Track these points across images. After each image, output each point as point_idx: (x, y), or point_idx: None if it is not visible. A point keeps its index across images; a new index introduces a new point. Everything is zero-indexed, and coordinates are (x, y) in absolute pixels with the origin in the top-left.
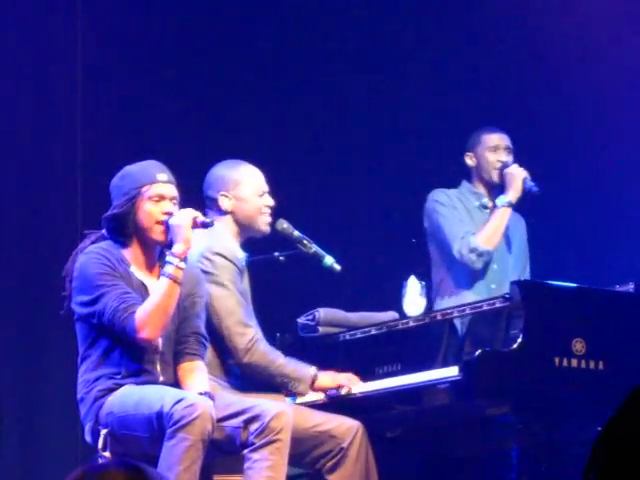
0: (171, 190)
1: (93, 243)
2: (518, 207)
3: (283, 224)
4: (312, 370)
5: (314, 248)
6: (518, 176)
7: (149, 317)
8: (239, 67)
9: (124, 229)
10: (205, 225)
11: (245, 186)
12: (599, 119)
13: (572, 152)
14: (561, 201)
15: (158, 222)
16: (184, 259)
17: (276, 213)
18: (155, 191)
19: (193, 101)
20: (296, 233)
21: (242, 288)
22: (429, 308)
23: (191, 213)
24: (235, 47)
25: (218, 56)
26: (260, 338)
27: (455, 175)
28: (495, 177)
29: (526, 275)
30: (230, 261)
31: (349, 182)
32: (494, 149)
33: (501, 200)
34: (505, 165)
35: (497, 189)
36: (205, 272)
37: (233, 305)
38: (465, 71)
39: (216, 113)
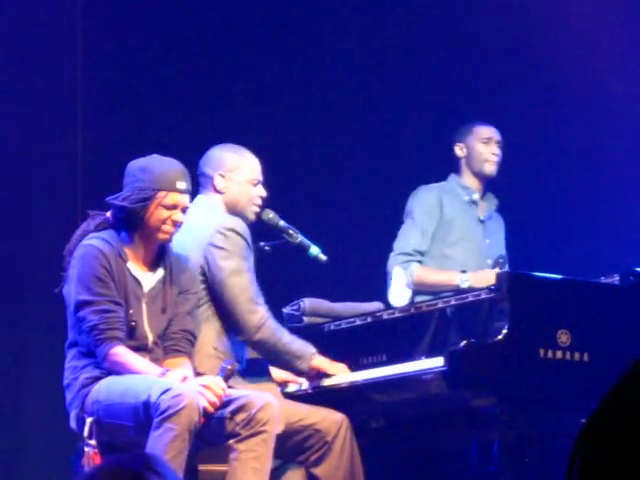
0: (185, 200)
1: (97, 228)
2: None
3: (269, 214)
4: (312, 348)
5: (300, 238)
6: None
7: (119, 364)
8: (238, 63)
9: (130, 222)
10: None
11: (242, 171)
12: (587, 111)
13: (558, 143)
14: (547, 192)
15: (165, 225)
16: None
17: (263, 203)
18: (170, 200)
19: (193, 96)
20: (282, 223)
21: (251, 264)
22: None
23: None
24: (235, 43)
25: (217, 50)
26: (269, 316)
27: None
28: (486, 169)
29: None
30: (242, 237)
31: (335, 172)
32: (486, 141)
33: (462, 279)
34: (503, 261)
35: (486, 181)
36: (219, 247)
37: (245, 282)
38: (462, 67)
39: (215, 109)
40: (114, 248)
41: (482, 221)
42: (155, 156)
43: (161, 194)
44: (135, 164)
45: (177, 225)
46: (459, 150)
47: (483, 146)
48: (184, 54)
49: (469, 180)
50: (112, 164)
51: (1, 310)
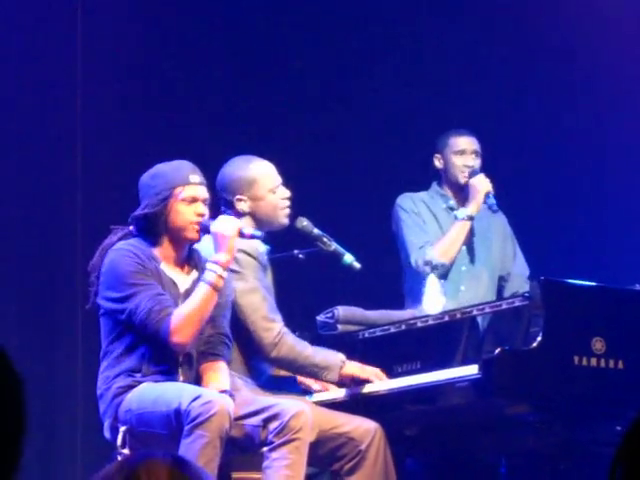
0: (203, 192)
1: (120, 239)
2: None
3: (303, 222)
4: (340, 356)
5: (334, 246)
6: (481, 190)
7: (184, 322)
8: (247, 62)
9: (155, 228)
10: (253, 237)
11: (259, 185)
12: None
13: (587, 148)
14: (581, 199)
15: (192, 222)
16: (227, 269)
17: (296, 211)
18: (188, 193)
19: (196, 96)
20: (316, 231)
21: (266, 283)
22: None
23: (236, 223)
24: (243, 46)
25: (223, 51)
26: (286, 331)
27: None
28: (461, 180)
29: (519, 264)
30: (253, 257)
31: (369, 179)
32: (461, 153)
33: (461, 213)
34: (473, 172)
35: (464, 192)
36: (229, 269)
37: (258, 301)
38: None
39: (225, 109)
40: (144, 251)
41: None
42: (161, 163)
43: (177, 190)
44: (145, 176)
45: (202, 220)
46: (437, 161)
47: (457, 158)
48: (188, 57)
49: (448, 191)
50: (113, 171)
51: (31, 324)
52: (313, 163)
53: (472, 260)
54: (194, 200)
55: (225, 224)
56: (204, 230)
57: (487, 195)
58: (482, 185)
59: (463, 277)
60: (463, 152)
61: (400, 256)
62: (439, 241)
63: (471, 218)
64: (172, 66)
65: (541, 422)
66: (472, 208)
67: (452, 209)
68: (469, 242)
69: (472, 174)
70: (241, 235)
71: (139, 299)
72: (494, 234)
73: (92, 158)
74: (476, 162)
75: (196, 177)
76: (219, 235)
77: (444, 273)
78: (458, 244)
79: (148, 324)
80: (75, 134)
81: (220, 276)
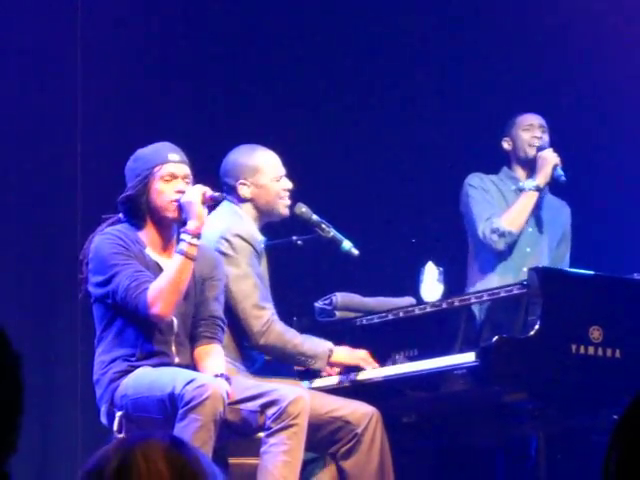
0: (183, 169)
1: (110, 226)
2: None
3: (302, 208)
4: (328, 345)
5: (332, 232)
6: (549, 162)
7: (161, 293)
8: (252, 49)
9: (138, 210)
10: (214, 199)
11: (263, 173)
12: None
13: (597, 139)
14: (581, 189)
15: (172, 201)
16: (197, 236)
17: (294, 197)
18: (166, 170)
19: (197, 95)
20: (314, 217)
21: (259, 271)
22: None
23: (200, 189)
24: (249, 27)
25: (229, 36)
26: (275, 319)
27: (472, 164)
28: (530, 153)
29: (565, 263)
30: (248, 243)
31: (368, 166)
32: (528, 127)
33: (528, 184)
34: (542, 146)
35: (534, 170)
36: (223, 253)
37: (250, 287)
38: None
39: (230, 96)
40: (129, 235)
41: None
42: (140, 149)
43: (156, 169)
44: (128, 163)
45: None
46: (506, 144)
47: (525, 133)
48: (188, 56)
49: (519, 171)
50: (113, 165)
51: (30, 310)
52: (312, 152)
53: (537, 242)
54: (173, 177)
55: (190, 192)
56: (180, 207)
57: (555, 167)
58: (550, 157)
59: (527, 258)
60: (531, 126)
61: (467, 236)
62: (506, 211)
63: (538, 189)
64: (172, 65)
65: (538, 410)
66: (540, 179)
67: (522, 190)
68: (535, 225)
69: (540, 148)
70: (204, 200)
71: (119, 279)
72: (556, 223)
73: (92, 154)
74: (545, 136)
75: (175, 156)
76: (186, 204)
77: (511, 243)
78: (525, 214)
79: (128, 301)
80: (75, 133)
81: (190, 244)
